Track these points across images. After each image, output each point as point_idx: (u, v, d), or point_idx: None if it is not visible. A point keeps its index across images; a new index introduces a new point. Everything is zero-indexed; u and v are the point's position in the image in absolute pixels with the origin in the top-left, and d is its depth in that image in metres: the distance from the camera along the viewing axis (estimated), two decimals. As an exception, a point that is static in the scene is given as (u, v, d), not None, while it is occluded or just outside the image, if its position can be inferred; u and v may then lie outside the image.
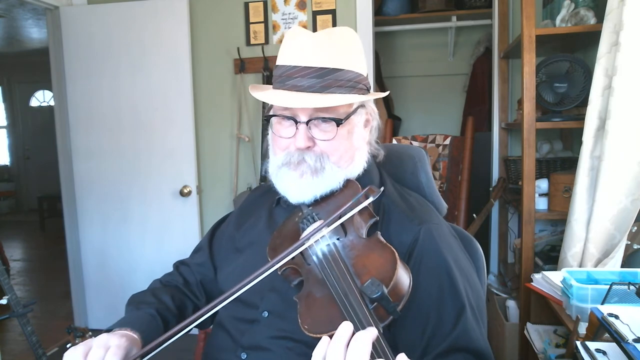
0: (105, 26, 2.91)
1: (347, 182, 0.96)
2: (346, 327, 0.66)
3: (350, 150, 0.97)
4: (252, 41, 2.97)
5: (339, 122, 0.92)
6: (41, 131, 7.71)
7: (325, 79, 0.89)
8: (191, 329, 0.85)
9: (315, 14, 2.89)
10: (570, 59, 1.97)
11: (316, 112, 0.91)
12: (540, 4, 2.37)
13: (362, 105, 0.99)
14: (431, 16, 3.53)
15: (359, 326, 0.70)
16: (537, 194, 2.08)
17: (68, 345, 1.61)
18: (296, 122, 0.92)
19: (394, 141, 3.01)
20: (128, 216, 3.03)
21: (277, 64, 0.95)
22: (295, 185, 0.95)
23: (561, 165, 2.28)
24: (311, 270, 0.85)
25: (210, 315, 1.08)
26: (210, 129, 3.09)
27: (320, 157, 0.93)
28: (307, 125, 0.92)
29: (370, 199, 0.87)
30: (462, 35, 3.85)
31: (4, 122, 8.28)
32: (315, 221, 0.89)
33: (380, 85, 3.67)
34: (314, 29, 2.89)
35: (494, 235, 2.94)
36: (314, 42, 0.91)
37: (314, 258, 0.84)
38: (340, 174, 0.95)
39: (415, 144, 2.96)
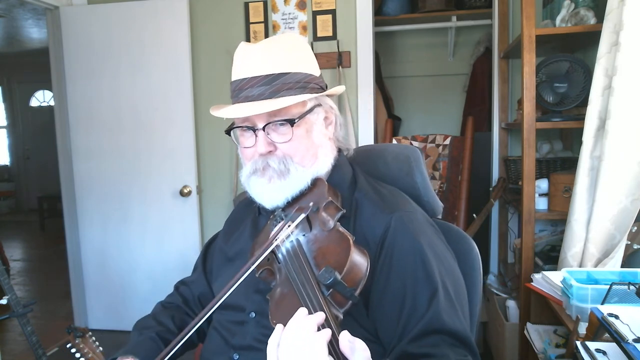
0: (105, 26, 2.91)
1: (316, 181, 0.98)
2: (300, 312, 0.71)
3: (312, 149, 0.99)
4: (252, 41, 2.94)
5: (292, 122, 0.94)
6: (41, 131, 7.71)
7: (273, 84, 0.92)
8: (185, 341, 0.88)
9: (315, 14, 2.89)
10: (570, 59, 1.97)
11: (271, 117, 0.94)
12: (540, 4, 2.37)
13: (318, 104, 1.01)
14: (431, 16, 3.53)
15: (313, 313, 0.73)
16: (537, 194, 2.08)
17: (68, 345, 1.61)
18: (255, 130, 0.95)
19: (394, 141, 3.01)
20: (128, 216, 3.03)
21: (231, 80, 0.98)
22: (266, 191, 0.97)
23: (561, 165, 2.28)
24: (280, 268, 0.87)
25: (205, 324, 1.11)
26: (210, 129, 3.09)
27: (283, 160, 0.95)
28: (264, 130, 0.94)
29: (302, 216, 0.89)
30: (462, 35, 3.85)
31: (4, 122, 8.29)
32: (283, 220, 0.92)
33: (380, 85, 3.67)
34: (314, 29, 2.89)
35: (494, 235, 2.94)
36: (258, 52, 0.94)
37: (280, 256, 0.87)
38: (306, 174, 0.97)
39: (415, 144, 2.96)
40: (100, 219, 3.08)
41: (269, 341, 0.70)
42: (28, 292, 4.31)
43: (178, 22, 2.81)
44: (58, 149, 3.15)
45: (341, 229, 0.85)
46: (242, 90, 0.94)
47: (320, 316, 0.69)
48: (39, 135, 7.90)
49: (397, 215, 0.92)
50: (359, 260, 0.79)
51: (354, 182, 1.03)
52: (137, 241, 3.04)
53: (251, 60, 0.94)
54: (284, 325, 0.71)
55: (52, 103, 6.04)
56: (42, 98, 8.16)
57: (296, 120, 0.94)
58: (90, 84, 2.97)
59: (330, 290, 0.75)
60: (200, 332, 1.15)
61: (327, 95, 1.03)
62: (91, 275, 3.15)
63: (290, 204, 0.97)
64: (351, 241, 0.80)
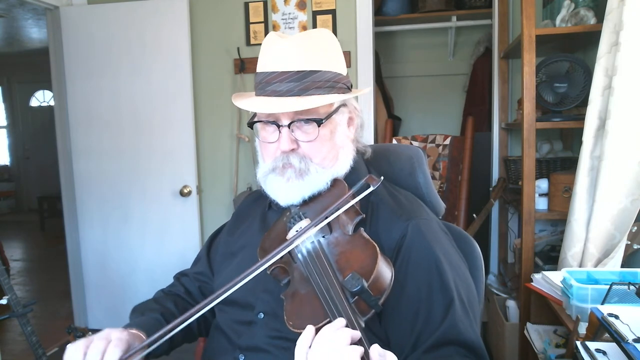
0: (105, 26, 2.90)
1: (335, 182, 0.98)
2: (339, 322, 0.70)
3: (334, 150, 0.99)
4: (252, 41, 2.97)
5: (319, 122, 0.93)
6: (41, 131, 7.71)
7: (303, 81, 0.91)
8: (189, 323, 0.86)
9: (315, 14, 2.89)
10: (570, 59, 1.97)
11: (297, 115, 0.93)
12: (540, 4, 2.37)
13: (344, 104, 1.00)
14: (431, 16, 3.53)
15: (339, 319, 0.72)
16: (537, 194, 2.08)
17: (68, 345, 1.61)
18: (279, 126, 0.94)
19: (394, 141, 3.01)
20: (128, 216, 3.03)
21: (256, 71, 0.97)
22: (283, 189, 0.96)
23: (561, 165, 2.28)
24: (297, 268, 0.86)
25: (208, 323, 1.11)
26: (210, 129, 3.09)
27: (304, 159, 0.95)
28: (289, 128, 0.93)
29: (369, 189, 0.89)
30: (462, 35, 3.85)
31: (4, 122, 8.28)
32: (301, 220, 0.91)
33: (380, 85, 3.67)
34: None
35: (494, 235, 2.94)
36: (290, 46, 0.93)
37: (299, 256, 0.86)
38: (325, 175, 0.97)
39: (415, 144, 2.96)
40: (100, 219, 3.07)
41: (299, 341, 0.69)
42: (28, 292, 4.31)
43: (178, 22, 2.81)
44: (58, 149, 3.15)
45: (365, 235, 0.84)
46: (270, 84, 0.92)
47: (357, 334, 0.68)
48: (39, 135, 7.89)
49: (413, 223, 0.92)
50: (385, 269, 0.78)
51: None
52: (137, 241, 3.04)
53: (282, 53, 0.92)
54: (314, 329, 0.70)
55: (52, 103, 6.03)
56: (42, 98, 8.15)
57: (323, 121, 0.94)
58: (90, 84, 2.97)
59: (355, 297, 0.74)
60: (202, 325, 1.13)
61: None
62: (91, 275, 3.15)
63: (307, 202, 0.97)
64: (378, 249, 0.79)
